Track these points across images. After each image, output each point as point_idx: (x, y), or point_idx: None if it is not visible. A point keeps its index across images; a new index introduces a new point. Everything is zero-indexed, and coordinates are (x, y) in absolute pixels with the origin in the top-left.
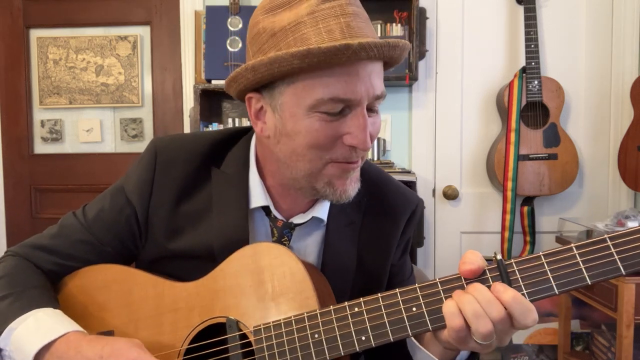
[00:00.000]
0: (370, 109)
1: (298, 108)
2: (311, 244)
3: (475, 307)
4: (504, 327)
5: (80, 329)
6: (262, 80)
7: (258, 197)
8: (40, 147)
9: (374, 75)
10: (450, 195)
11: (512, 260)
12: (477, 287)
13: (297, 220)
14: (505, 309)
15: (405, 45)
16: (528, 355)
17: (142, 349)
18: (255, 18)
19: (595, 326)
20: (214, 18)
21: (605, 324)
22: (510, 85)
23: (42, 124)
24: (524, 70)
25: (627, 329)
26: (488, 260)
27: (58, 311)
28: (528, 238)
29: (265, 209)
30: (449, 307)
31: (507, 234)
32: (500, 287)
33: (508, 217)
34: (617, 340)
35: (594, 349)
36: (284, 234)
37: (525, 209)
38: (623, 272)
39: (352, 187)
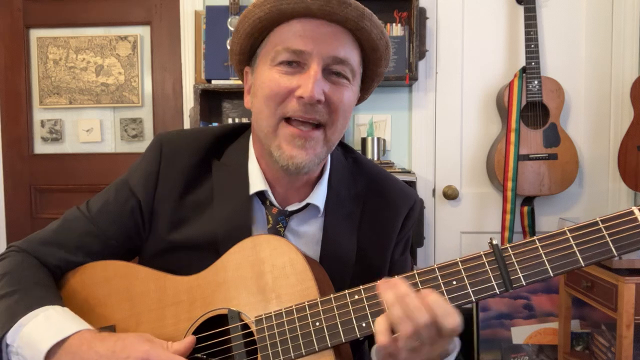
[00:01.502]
0: (334, 74)
1: (264, 65)
2: (309, 234)
3: (398, 312)
4: (430, 333)
5: (91, 327)
6: (243, 39)
7: (256, 182)
8: (40, 147)
9: (334, 37)
10: (450, 195)
11: (508, 245)
12: (405, 295)
13: (292, 207)
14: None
15: (358, 6)
16: (528, 355)
17: (152, 342)
18: None
19: (595, 326)
20: (214, 18)
21: (605, 324)
22: (510, 85)
23: (42, 124)
24: (524, 70)
25: (627, 329)
26: (485, 253)
27: (67, 309)
28: (528, 238)
29: (262, 198)
30: (379, 324)
31: (507, 234)
32: (426, 291)
33: (508, 217)
34: (617, 340)
35: (594, 349)
36: (278, 221)
37: (525, 209)
38: (615, 253)
39: (301, 155)
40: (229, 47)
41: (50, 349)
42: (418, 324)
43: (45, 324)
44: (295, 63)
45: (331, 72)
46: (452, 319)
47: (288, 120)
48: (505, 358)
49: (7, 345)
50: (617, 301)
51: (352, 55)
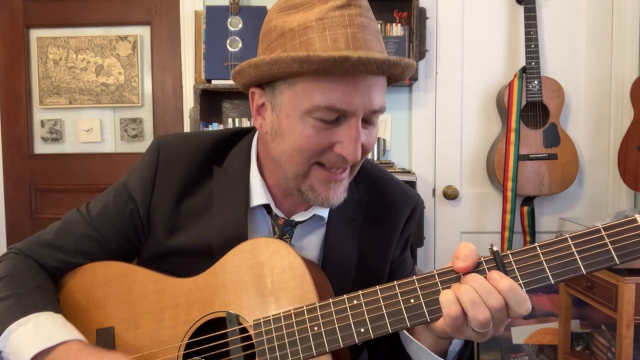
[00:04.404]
0: (368, 121)
1: (294, 110)
2: (312, 242)
3: (473, 296)
4: (501, 315)
5: (81, 337)
6: (263, 77)
7: (259, 195)
8: (40, 147)
9: (374, 89)
10: (450, 195)
11: (509, 252)
12: (475, 277)
13: (298, 218)
14: (502, 297)
15: (407, 64)
16: (528, 355)
17: None
18: (270, 15)
19: (595, 326)
20: (214, 18)
21: (605, 324)
22: (510, 85)
23: (42, 124)
24: (524, 70)
25: (627, 329)
26: (486, 260)
27: (58, 316)
28: (528, 238)
29: (267, 207)
30: (445, 296)
31: (507, 234)
32: (496, 275)
33: (508, 217)
34: (617, 340)
35: (594, 349)
36: (285, 232)
37: (525, 209)
38: (617, 261)
39: (335, 196)
40: (235, 70)
41: (33, 357)
42: (492, 307)
43: (33, 332)
44: (334, 121)
45: (366, 120)
46: (526, 305)
47: (319, 163)
48: (505, 358)
49: (0, 352)
50: (617, 301)
51: (383, 97)
